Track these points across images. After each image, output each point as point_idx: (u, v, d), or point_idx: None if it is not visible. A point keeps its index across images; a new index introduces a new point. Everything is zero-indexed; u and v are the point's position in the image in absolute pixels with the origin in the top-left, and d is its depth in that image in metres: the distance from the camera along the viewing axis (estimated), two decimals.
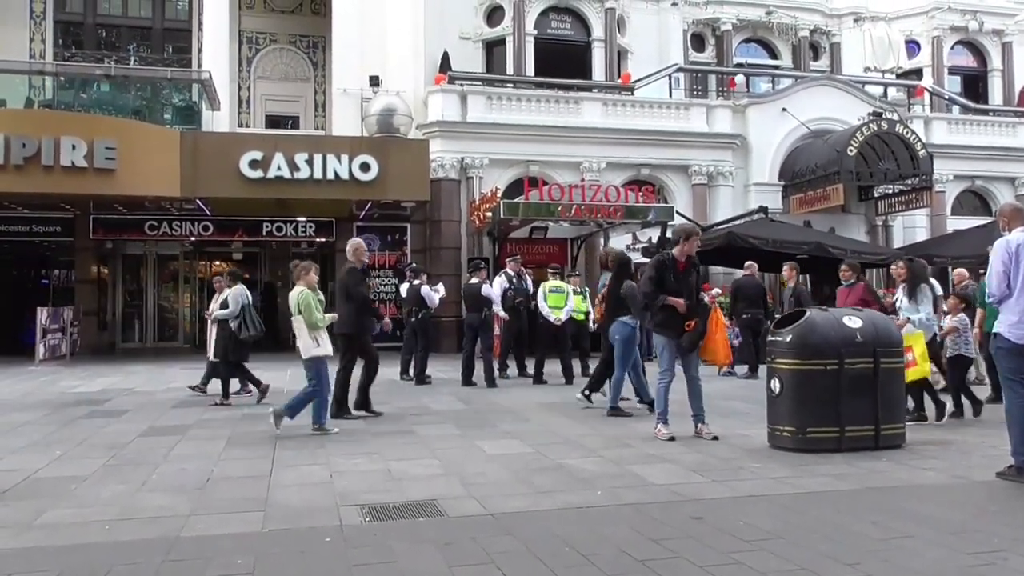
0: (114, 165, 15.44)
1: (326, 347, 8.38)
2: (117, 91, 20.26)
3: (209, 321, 11.72)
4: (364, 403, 9.61)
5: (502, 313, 13.19)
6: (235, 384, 11.10)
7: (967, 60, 27.88)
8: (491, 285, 13.28)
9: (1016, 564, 4.22)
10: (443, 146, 19.98)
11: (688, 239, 7.99)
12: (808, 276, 22.17)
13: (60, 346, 17.60)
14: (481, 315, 12.77)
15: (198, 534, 4.84)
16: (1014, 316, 6.04)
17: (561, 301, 13.17)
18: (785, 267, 13.91)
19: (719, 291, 8.51)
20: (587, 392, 10.31)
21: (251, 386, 11.06)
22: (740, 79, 23.97)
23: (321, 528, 4.94)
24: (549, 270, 14.69)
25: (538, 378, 12.99)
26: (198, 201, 17.75)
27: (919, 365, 8.43)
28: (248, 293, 11.08)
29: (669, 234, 15.97)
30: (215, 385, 11.10)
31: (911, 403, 8.70)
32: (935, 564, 4.24)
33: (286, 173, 16.53)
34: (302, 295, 8.30)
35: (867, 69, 26.05)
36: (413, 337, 13.48)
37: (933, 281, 10.17)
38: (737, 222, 19.81)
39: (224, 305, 10.96)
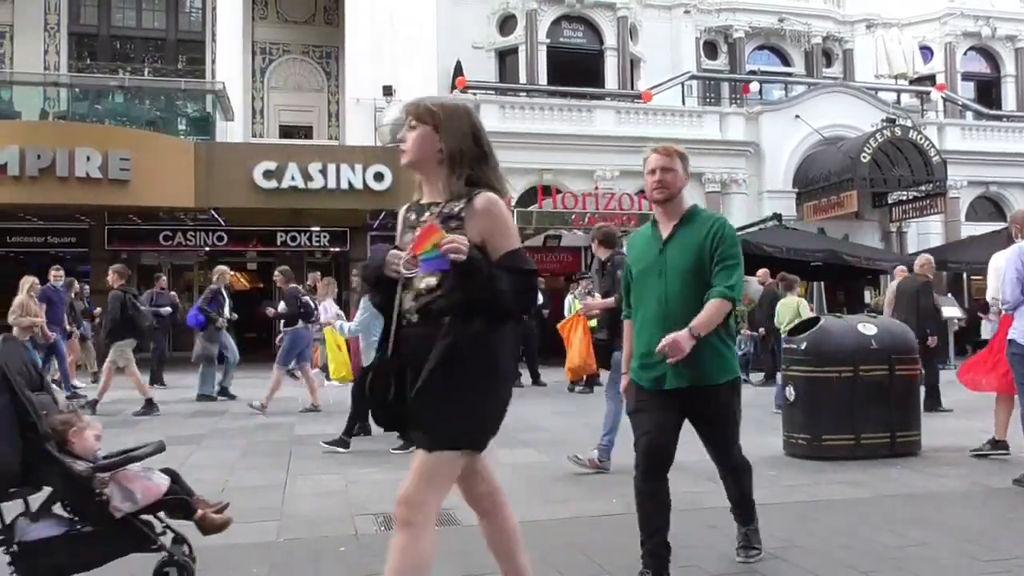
0: (128, 176, 15.52)
1: None
2: (131, 102, 20.39)
3: None
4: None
5: None
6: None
7: (980, 66, 27.83)
8: None
9: None
10: None
11: None
12: (823, 283, 22.14)
13: None
14: None
15: (213, 543, 4.85)
16: None
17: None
18: None
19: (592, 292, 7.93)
20: None
21: None
22: (753, 85, 23.96)
23: (336, 537, 4.94)
24: (582, 280, 13.73)
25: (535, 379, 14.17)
26: (212, 211, 17.85)
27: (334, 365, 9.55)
28: None
29: None
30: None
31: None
32: (951, 572, 4.21)
33: (300, 183, 16.59)
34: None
35: (880, 76, 25.99)
36: None
37: None
38: (751, 229, 19.77)
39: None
